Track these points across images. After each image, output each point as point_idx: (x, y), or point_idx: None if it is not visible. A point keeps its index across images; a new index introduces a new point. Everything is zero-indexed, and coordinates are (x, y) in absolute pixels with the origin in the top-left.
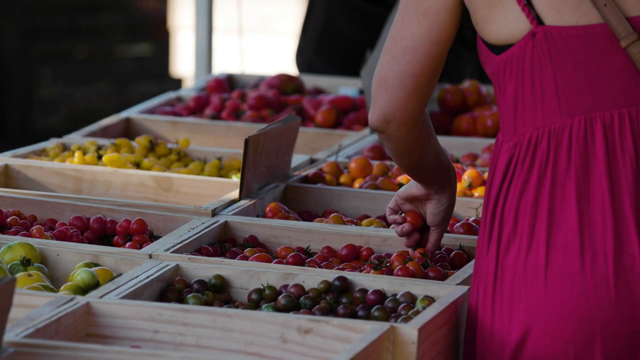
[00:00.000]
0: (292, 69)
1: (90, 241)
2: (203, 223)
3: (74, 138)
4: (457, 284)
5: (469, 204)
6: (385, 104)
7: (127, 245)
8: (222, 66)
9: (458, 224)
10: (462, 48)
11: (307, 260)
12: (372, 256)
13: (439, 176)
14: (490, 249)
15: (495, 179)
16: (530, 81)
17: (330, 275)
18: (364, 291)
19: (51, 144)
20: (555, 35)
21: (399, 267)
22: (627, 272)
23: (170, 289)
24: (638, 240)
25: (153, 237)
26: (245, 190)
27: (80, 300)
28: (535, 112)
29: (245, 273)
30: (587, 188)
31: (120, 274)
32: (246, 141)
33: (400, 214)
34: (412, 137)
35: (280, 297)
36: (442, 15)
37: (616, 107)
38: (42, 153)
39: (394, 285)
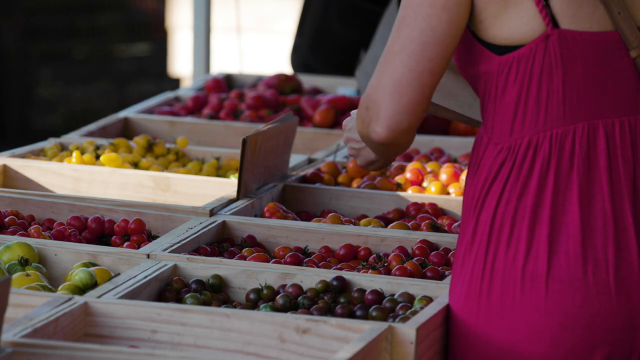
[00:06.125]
0: (290, 69)
1: (88, 241)
2: (201, 223)
3: (72, 138)
4: None
5: None
6: (398, 109)
7: (125, 245)
8: (220, 66)
9: (456, 224)
10: None
11: (305, 260)
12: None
13: None
14: (475, 250)
15: (479, 179)
16: (538, 84)
17: (328, 275)
18: (362, 291)
19: (49, 143)
20: (569, 39)
21: (397, 267)
22: (627, 279)
23: (168, 288)
24: (637, 248)
25: (151, 237)
26: (243, 190)
27: (79, 300)
28: (538, 115)
29: (243, 273)
30: (589, 194)
31: (118, 274)
32: (244, 141)
33: None
34: (412, 140)
35: (278, 297)
36: (462, 8)
37: (617, 115)
38: (40, 153)
39: (392, 285)
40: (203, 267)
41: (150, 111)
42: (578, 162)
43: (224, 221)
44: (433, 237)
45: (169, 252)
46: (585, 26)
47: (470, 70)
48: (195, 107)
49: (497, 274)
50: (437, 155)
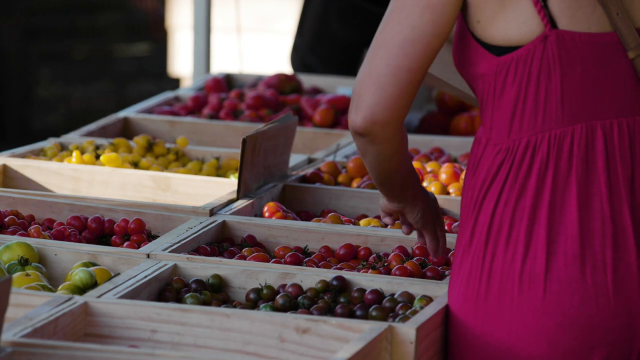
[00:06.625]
0: (290, 69)
1: (88, 241)
2: (201, 223)
3: (72, 138)
4: None
5: None
6: (374, 101)
7: (125, 244)
8: (220, 66)
9: (455, 224)
10: None
11: (305, 260)
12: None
13: (409, 184)
14: (473, 250)
15: (477, 180)
16: (536, 85)
17: (328, 274)
18: (362, 291)
19: (49, 143)
20: (568, 40)
21: (397, 266)
22: (625, 280)
23: (168, 288)
24: (635, 248)
25: (151, 237)
26: (243, 190)
27: (78, 299)
28: (536, 116)
29: (243, 273)
30: (587, 196)
31: (118, 274)
32: (244, 141)
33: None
34: (397, 139)
35: (278, 296)
36: (446, 8)
37: (615, 117)
38: (40, 153)
39: (392, 284)
40: (203, 267)
41: (150, 111)
42: (576, 163)
43: (224, 221)
44: None
45: (169, 252)
46: (583, 27)
47: (469, 70)
48: (195, 107)
49: (495, 275)
50: (437, 155)
